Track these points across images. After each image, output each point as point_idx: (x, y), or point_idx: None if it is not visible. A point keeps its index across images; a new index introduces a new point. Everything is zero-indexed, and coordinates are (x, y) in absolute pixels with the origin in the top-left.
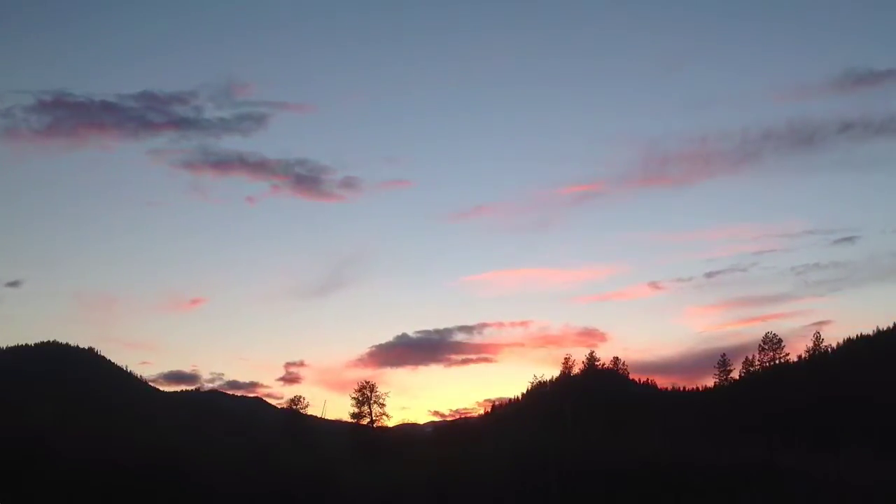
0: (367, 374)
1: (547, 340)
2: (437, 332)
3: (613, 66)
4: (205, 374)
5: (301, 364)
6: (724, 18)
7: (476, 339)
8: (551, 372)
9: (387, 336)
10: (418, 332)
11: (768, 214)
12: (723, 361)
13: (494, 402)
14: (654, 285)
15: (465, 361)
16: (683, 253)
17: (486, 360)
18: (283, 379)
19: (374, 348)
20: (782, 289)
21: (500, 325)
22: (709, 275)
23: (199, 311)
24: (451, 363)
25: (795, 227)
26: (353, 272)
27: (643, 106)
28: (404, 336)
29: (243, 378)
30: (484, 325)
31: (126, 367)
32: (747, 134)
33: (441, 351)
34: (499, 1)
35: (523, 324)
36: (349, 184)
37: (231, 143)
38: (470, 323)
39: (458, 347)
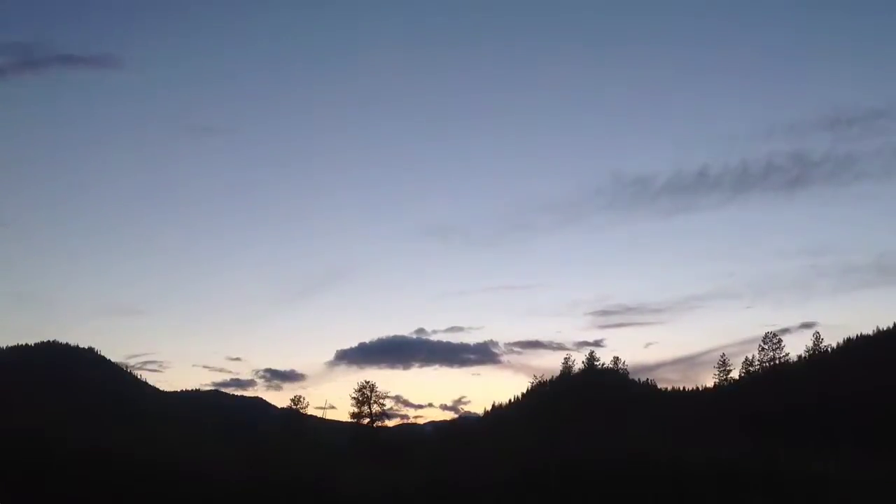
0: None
1: (526, 347)
2: (397, 337)
3: (609, 98)
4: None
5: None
6: (718, 54)
7: (444, 340)
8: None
9: (350, 342)
10: (381, 338)
11: (756, 243)
12: (723, 361)
13: (494, 402)
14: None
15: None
16: (674, 271)
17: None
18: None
19: (339, 352)
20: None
21: (460, 328)
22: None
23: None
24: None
25: (777, 251)
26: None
27: (636, 138)
28: (365, 343)
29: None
30: (452, 331)
31: (126, 366)
32: (739, 168)
33: (402, 354)
34: (494, 26)
35: (481, 328)
36: None
37: None
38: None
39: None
